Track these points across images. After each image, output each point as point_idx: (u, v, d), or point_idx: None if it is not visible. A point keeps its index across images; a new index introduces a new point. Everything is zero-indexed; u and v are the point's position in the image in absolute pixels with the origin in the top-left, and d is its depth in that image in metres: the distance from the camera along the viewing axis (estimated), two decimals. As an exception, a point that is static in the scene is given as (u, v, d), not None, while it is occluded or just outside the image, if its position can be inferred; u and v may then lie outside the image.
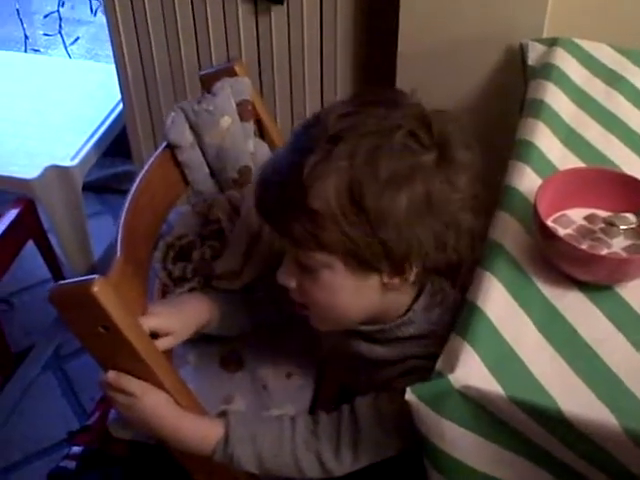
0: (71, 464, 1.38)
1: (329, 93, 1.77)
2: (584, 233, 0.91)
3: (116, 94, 2.02)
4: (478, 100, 1.53)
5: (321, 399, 1.16)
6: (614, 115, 1.17)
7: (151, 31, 1.80)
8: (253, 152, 1.19)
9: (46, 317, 1.94)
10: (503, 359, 0.78)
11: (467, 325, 0.82)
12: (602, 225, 0.92)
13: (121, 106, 2.05)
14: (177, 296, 1.09)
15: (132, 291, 0.92)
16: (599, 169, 0.99)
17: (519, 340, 0.80)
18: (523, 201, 0.98)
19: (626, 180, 0.94)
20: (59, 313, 0.86)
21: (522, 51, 1.39)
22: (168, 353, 0.99)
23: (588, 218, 0.93)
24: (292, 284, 0.92)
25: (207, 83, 1.19)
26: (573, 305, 0.85)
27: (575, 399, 0.74)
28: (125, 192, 1.05)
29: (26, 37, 3.03)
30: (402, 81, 1.53)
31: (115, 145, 2.12)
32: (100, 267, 2.02)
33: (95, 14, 3.06)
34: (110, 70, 2.01)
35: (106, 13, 1.82)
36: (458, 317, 0.85)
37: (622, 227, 0.91)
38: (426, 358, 0.90)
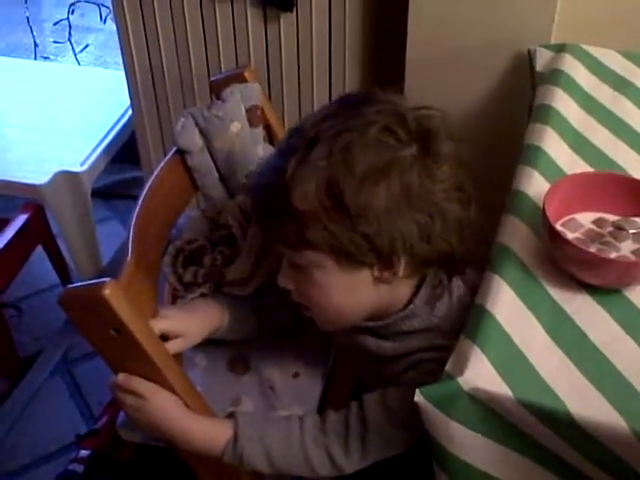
0: (79, 467, 1.39)
1: (337, 100, 1.78)
2: (593, 237, 0.91)
3: (125, 100, 2.03)
4: (486, 105, 1.53)
5: (332, 397, 1.16)
6: (622, 120, 1.17)
7: (160, 38, 1.82)
8: (262, 157, 1.20)
9: (55, 322, 1.94)
10: (512, 362, 0.78)
11: (476, 328, 0.82)
12: (611, 229, 0.92)
13: (130, 112, 2.06)
14: (189, 301, 1.10)
15: (143, 294, 0.92)
16: (607, 173, 0.99)
17: (528, 343, 0.80)
18: (531, 205, 0.98)
19: (634, 184, 0.94)
20: (69, 316, 0.87)
21: (530, 57, 1.40)
22: (178, 356, 0.99)
23: (596, 222, 0.94)
24: (291, 286, 0.95)
25: (217, 89, 1.19)
26: (582, 308, 0.85)
27: (584, 402, 0.74)
28: (133, 198, 1.06)
29: (36, 45, 3.05)
30: (410, 86, 1.54)
31: (124, 151, 2.13)
32: (108, 272, 2.01)
33: (105, 22, 3.08)
34: (119, 77, 2.02)
35: (116, 20, 1.83)
36: (466, 318, 0.86)
37: (631, 231, 0.91)
38: (432, 350, 0.92)
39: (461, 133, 0.90)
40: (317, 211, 0.84)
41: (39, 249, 1.92)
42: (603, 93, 1.24)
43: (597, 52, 1.36)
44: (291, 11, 1.67)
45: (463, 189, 0.88)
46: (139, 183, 2.26)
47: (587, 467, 0.78)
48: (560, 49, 1.36)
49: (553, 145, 1.10)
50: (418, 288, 0.95)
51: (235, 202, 1.18)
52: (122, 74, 1.94)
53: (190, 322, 1.01)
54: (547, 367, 0.78)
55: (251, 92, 1.19)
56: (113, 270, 0.90)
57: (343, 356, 1.16)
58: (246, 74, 1.20)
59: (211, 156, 1.17)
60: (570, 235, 0.91)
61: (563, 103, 1.20)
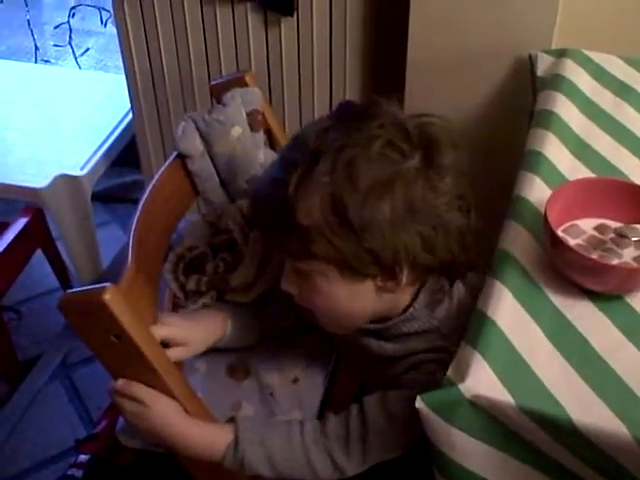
0: (78, 472, 1.39)
1: (338, 104, 1.77)
2: (594, 243, 0.91)
3: (125, 104, 2.03)
4: (487, 110, 1.53)
5: (333, 402, 1.16)
6: (624, 126, 1.17)
7: (161, 41, 1.81)
8: (263, 162, 1.20)
9: (54, 326, 1.95)
10: (513, 368, 0.78)
11: (477, 334, 0.82)
12: (612, 235, 0.92)
13: (130, 116, 2.06)
14: (191, 312, 1.10)
15: (143, 300, 0.92)
16: (609, 179, 0.99)
17: (529, 350, 0.80)
18: (533, 211, 0.98)
19: (636, 191, 0.94)
20: (69, 322, 0.86)
21: (531, 62, 1.40)
22: (178, 362, 0.99)
23: (598, 228, 0.93)
24: (293, 291, 0.96)
25: (217, 93, 1.19)
26: (583, 315, 0.85)
27: (585, 409, 0.74)
28: (134, 202, 1.06)
29: (36, 48, 3.05)
30: (411, 91, 1.53)
31: (124, 155, 2.13)
32: (108, 276, 2.02)
33: (105, 25, 3.07)
34: (119, 80, 2.03)
35: (116, 24, 1.83)
36: (467, 323, 0.86)
37: (634, 238, 0.90)
38: (432, 351, 0.93)
39: (462, 139, 0.90)
40: (321, 226, 0.84)
41: (39, 252, 1.92)
42: (605, 99, 1.24)
43: (598, 57, 1.36)
44: (292, 15, 1.67)
45: (464, 197, 0.89)
46: (139, 187, 2.26)
47: (588, 474, 0.78)
48: (561, 54, 1.36)
49: (555, 151, 1.10)
50: (418, 292, 0.96)
51: (236, 206, 1.18)
52: (122, 78, 1.94)
53: (193, 331, 1.01)
54: (548, 374, 0.78)
55: (252, 96, 1.19)
56: (113, 274, 0.89)
57: (346, 355, 1.16)
58: (247, 78, 1.20)
59: (212, 160, 1.16)
60: (572, 241, 0.91)
61: (565, 108, 1.20)
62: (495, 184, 1.15)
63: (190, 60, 1.82)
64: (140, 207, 1.03)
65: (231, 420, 0.97)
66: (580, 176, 1.03)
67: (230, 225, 1.16)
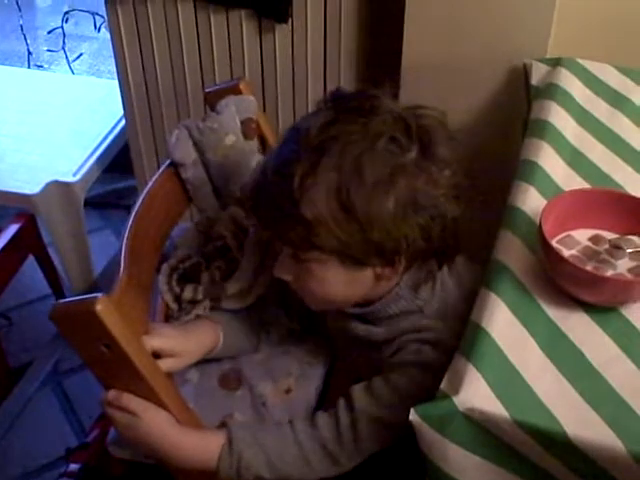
0: (69, 482, 1.38)
1: (332, 111, 1.77)
2: (589, 254, 0.91)
3: (118, 110, 2.02)
4: (481, 119, 1.53)
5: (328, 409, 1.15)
6: (618, 136, 1.17)
7: (155, 47, 1.81)
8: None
9: (45, 333, 1.93)
10: (507, 381, 0.78)
11: (471, 346, 0.81)
12: (607, 247, 0.91)
13: (123, 122, 2.05)
14: (183, 323, 1.09)
15: (135, 310, 0.91)
16: (604, 190, 0.99)
17: (524, 362, 0.80)
18: (527, 221, 0.98)
19: (631, 201, 0.93)
20: (60, 331, 0.86)
21: (525, 71, 1.40)
22: (170, 372, 0.98)
23: (593, 239, 0.93)
24: (287, 277, 0.97)
25: (211, 100, 1.19)
26: (578, 326, 0.84)
27: (580, 421, 0.74)
28: (126, 208, 1.06)
29: (29, 53, 3.04)
30: (406, 99, 1.53)
31: (117, 161, 2.12)
32: (101, 283, 2.01)
33: (99, 30, 3.07)
34: (112, 86, 2.02)
35: (110, 29, 1.83)
36: (449, 304, 0.91)
37: (628, 250, 0.90)
38: (415, 331, 0.96)
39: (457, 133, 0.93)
40: (326, 219, 0.86)
41: (30, 259, 1.91)
42: (599, 108, 1.24)
43: (593, 66, 1.36)
44: (286, 22, 1.66)
45: (458, 186, 0.90)
46: (132, 193, 2.25)
47: (583, 487, 0.77)
48: (556, 63, 1.36)
49: (549, 160, 1.10)
50: (402, 274, 0.97)
51: (228, 213, 1.17)
52: (116, 83, 1.93)
53: (185, 342, 1.01)
54: (543, 386, 0.77)
55: (246, 104, 1.19)
56: (105, 281, 0.89)
57: (339, 345, 1.16)
58: (241, 86, 1.20)
59: (205, 168, 1.16)
60: (566, 252, 0.90)
61: (559, 118, 1.19)
62: (489, 193, 1.14)
63: (184, 66, 1.82)
64: (132, 216, 1.03)
65: (222, 425, 0.97)
66: (574, 186, 1.03)
67: (223, 232, 1.15)
